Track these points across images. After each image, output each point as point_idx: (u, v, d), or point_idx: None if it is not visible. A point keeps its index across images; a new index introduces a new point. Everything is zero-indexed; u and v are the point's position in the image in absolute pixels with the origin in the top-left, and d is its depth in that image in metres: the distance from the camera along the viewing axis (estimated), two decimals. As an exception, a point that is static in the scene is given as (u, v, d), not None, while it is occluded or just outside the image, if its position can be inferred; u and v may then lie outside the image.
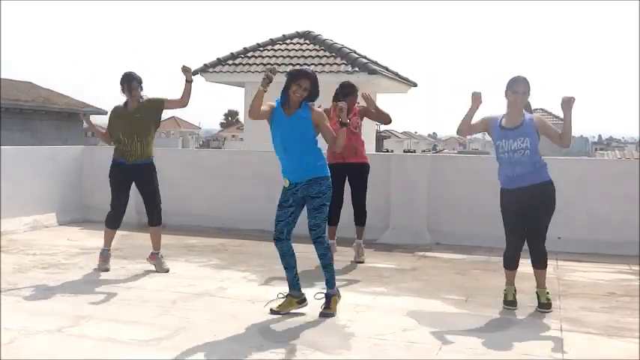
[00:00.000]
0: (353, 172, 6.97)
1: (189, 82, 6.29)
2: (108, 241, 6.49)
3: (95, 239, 8.06)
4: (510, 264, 5.36)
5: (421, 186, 8.31)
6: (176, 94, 6.39)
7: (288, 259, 5.05)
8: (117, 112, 6.45)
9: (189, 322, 4.66)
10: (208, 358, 4.02)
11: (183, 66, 6.31)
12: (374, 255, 7.14)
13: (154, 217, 6.51)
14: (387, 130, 47.21)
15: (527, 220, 5.21)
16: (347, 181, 7.04)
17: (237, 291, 5.64)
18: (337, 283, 5.07)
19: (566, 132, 5.11)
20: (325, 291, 5.04)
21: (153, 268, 6.42)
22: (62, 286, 5.66)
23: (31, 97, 25.61)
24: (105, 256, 6.43)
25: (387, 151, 28.49)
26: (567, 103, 5.02)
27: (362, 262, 6.92)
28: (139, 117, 6.30)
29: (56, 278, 5.94)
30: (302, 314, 4.96)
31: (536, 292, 5.26)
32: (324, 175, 4.98)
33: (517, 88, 5.09)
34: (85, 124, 6.56)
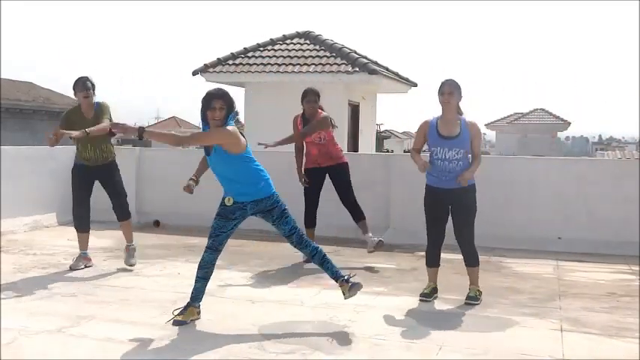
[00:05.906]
0: (333, 174, 6.97)
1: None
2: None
3: (95, 239, 8.05)
4: (433, 261, 5.50)
5: (421, 186, 8.28)
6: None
7: (211, 270, 4.83)
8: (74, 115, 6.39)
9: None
10: (208, 358, 4.02)
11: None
12: (374, 255, 7.11)
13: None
14: (387, 130, 47.20)
15: (454, 221, 5.36)
16: (329, 183, 7.02)
17: (237, 291, 5.64)
18: (338, 283, 5.02)
19: (471, 169, 5.25)
20: (346, 282, 4.78)
21: (152, 268, 6.43)
22: (62, 286, 5.66)
23: (31, 97, 25.59)
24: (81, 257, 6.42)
25: (388, 151, 28.46)
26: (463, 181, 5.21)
27: (382, 245, 6.89)
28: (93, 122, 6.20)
29: (56, 278, 5.94)
30: (302, 314, 4.95)
31: (469, 288, 5.42)
32: (270, 194, 4.82)
33: (443, 89, 5.24)
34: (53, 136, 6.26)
